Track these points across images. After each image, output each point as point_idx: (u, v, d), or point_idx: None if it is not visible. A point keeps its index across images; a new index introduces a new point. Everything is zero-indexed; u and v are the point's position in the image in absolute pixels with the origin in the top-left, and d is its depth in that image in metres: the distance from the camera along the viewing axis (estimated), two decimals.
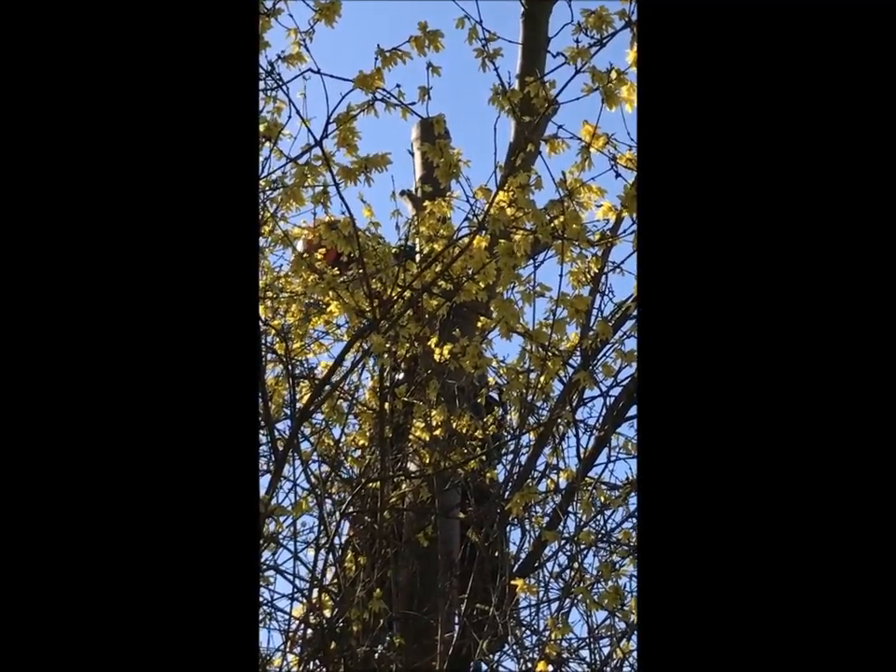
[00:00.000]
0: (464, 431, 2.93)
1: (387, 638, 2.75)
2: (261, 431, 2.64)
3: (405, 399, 2.99)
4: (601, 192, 2.45)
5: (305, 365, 3.14)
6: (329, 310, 2.86)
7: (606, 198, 2.46)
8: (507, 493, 2.81)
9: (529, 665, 2.58)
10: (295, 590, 2.64)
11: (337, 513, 2.80)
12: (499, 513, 2.76)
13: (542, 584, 2.81)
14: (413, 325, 2.67)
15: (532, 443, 2.95)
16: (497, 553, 2.73)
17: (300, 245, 3.10)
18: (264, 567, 2.62)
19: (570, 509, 2.78)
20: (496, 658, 2.83)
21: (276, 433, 2.66)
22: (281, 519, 2.73)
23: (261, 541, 2.49)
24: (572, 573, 2.67)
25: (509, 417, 3.11)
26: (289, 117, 2.42)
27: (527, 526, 2.96)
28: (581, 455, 2.84)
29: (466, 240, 2.50)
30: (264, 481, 2.56)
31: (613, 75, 2.24)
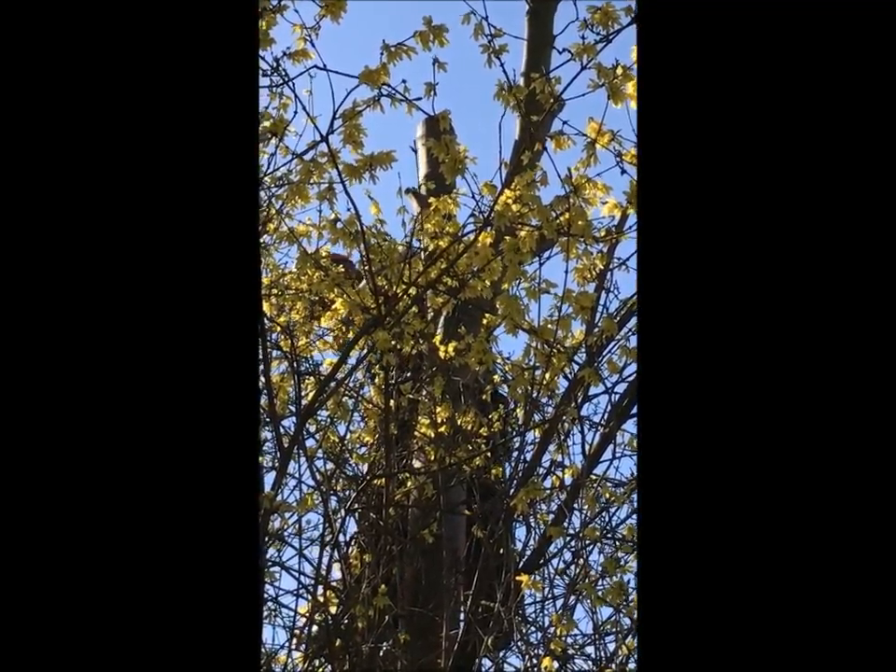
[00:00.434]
0: (469, 428, 2.93)
1: (393, 635, 2.75)
2: (267, 428, 2.64)
3: (410, 395, 2.99)
4: (606, 189, 2.46)
5: (310, 362, 3.14)
6: (334, 307, 2.86)
7: (611, 194, 2.47)
8: (512, 489, 2.81)
9: (534, 661, 2.59)
10: (300, 587, 2.64)
11: (342, 510, 2.80)
12: (504, 510, 2.75)
13: (547, 581, 2.82)
14: (417, 321, 2.67)
15: (537, 440, 2.95)
16: (501, 550, 2.72)
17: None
18: (269, 563, 2.62)
19: (575, 505, 2.78)
20: (501, 655, 2.84)
21: (281, 430, 2.66)
22: (286, 516, 2.73)
23: (266, 538, 2.49)
24: (577, 570, 2.67)
25: (514, 412, 3.11)
26: (295, 112, 2.42)
27: (532, 523, 2.97)
28: (586, 452, 2.84)
29: (471, 237, 2.50)
30: (269, 477, 2.57)
31: (619, 71, 2.24)
